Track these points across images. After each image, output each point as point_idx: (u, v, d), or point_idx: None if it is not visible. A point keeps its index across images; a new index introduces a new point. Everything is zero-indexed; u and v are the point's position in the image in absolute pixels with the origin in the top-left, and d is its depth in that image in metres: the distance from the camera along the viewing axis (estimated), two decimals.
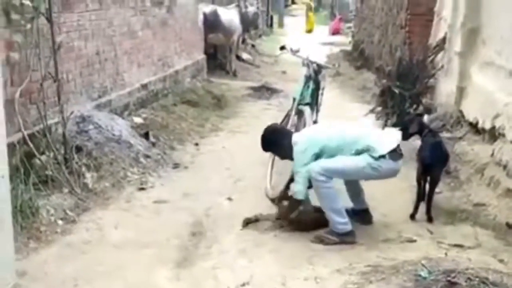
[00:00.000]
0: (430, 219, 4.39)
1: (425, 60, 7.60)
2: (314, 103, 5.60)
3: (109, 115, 5.95)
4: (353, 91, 10.26)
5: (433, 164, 4.49)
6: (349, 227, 4.05)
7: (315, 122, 5.41)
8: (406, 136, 4.76)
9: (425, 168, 4.50)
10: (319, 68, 5.65)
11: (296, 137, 4.27)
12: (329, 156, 4.07)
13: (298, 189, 4.12)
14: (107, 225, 4.33)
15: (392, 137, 4.25)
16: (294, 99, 5.53)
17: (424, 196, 4.52)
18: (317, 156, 4.07)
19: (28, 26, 4.54)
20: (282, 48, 6.08)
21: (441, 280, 3.16)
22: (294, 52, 5.88)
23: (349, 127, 4.41)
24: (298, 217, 4.27)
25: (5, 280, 3.17)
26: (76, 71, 5.59)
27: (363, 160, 4.02)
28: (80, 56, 5.66)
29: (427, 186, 4.54)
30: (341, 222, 4.03)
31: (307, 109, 5.24)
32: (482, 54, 6.02)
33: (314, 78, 5.60)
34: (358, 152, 4.04)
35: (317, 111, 5.74)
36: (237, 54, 12.62)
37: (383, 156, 4.01)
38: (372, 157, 4.00)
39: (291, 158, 4.25)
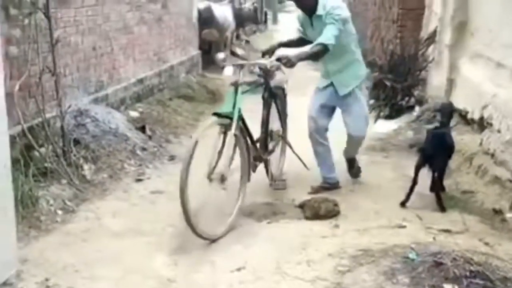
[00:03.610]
0: (442, 209, 4.41)
1: (417, 53, 7.77)
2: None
3: (106, 109, 6.07)
4: None
5: (434, 155, 4.49)
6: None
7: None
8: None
9: (425, 159, 4.51)
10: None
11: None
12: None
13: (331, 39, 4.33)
14: (105, 214, 4.45)
15: None
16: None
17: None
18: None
19: (26, 21, 4.66)
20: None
21: (428, 261, 3.29)
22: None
23: None
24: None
25: (8, 266, 3.28)
26: (73, 66, 5.70)
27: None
28: (77, 51, 5.76)
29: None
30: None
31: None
32: (470, 47, 6.15)
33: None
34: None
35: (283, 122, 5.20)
36: (231, 49, 12.71)
37: None
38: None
39: (305, 9, 4.60)
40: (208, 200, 4.07)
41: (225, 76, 4.27)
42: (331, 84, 4.71)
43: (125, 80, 6.98)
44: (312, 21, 4.58)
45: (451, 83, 6.51)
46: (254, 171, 4.60)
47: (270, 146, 4.93)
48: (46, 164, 4.69)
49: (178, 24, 9.22)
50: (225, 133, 4.11)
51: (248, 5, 12.94)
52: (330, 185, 4.90)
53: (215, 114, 4.22)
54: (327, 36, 4.32)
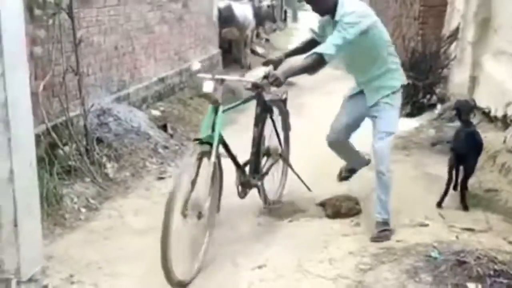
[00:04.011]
0: (465, 208, 4.39)
1: (438, 51, 7.70)
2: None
3: (128, 107, 6.14)
4: None
5: (467, 154, 4.44)
6: None
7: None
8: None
9: (459, 158, 4.44)
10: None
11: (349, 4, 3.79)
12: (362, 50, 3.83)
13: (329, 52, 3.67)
14: (128, 212, 4.51)
15: None
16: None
17: (455, 186, 4.52)
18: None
19: (50, 21, 4.72)
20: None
21: (451, 260, 3.28)
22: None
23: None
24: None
25: (34, 262, 3.33)
26: (96, 65, 5.77)
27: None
28: (99, 50, 5.83)
29: (460, 175, 4.50)
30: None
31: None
32: (494, 44, 6.09)
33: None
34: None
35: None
36: (251, 48, 12.74)
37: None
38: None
39: (323, 13, 3.98)
40: (182, 239, 3.48)
41: (204, 93, 3.69)
42: (362, 91, 4.13)
43: (146, 79, 7.04)
44: (334, 26, 3.84)
45: (474, 80, 6.45)
46: (242, 197, 4.19)
47: (264, 168, 4.38)
48: (70, 163, 4.76)
49: (198, 23, 9.26)
50: (200, 160, 3.54)
51: (265, 3, 12.94)
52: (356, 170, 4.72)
53: (196, 140, 3.67)
54: (327, 45, 3.69)
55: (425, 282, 3.16)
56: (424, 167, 5.31)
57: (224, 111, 3.77)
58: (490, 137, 5.52)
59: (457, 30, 7.34)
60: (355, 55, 3.89)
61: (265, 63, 4.20)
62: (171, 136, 6.29)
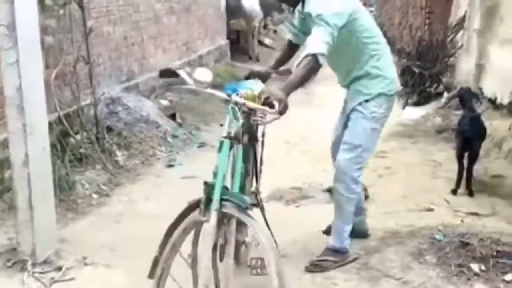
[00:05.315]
0: (471, 193, 4.45)
1: (445, 40, 7.73)
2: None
3: (137, 97, 6.23)
4: None
5: (473, 138, 4.47)
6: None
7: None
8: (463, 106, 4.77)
9: (465, 142, 4.47)
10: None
11: None
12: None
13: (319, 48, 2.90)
14: (138, 198, 4.59)
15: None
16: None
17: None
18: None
19: (61, 11, 4.80)
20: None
21: (455, 242, 3.35)
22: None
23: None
24: None
25: (49, 244, 3.44)
26: (105, 55, 5.86)
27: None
28: (109, 40, 5.92)
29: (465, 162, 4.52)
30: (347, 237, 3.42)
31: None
32: (500, 32, 6.10)
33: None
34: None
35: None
36: (259, 39, 12.77)
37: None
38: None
39: (292, 3, 3.30)
40: None
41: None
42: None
43: (155, 69, 7.11)
44: (309, 18, 3.09)
45: (480, 68, 6.47)
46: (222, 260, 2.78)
47: None
48: (81, 150, 4.86)
49: (206, 14, 9.32)
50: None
51: None
52: None
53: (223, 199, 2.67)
54: (316, 43, 2.92)
55: (429, 263, 3.23)
56: (430, 154, 5.37)
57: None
58: (496, 124, 5.57)
59: (463, 18, 7.35)
60: (332, 51, 3.02)
61: (249, 76, 3.26)
62: (180, 125, 6.37)
